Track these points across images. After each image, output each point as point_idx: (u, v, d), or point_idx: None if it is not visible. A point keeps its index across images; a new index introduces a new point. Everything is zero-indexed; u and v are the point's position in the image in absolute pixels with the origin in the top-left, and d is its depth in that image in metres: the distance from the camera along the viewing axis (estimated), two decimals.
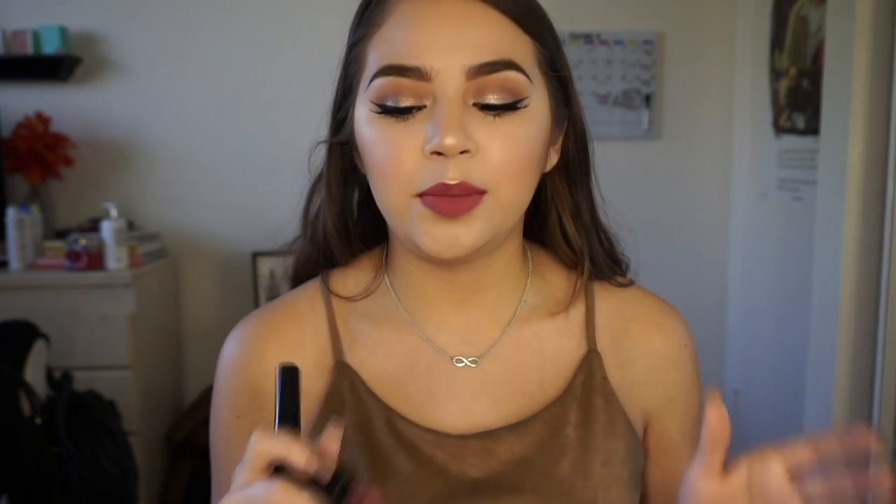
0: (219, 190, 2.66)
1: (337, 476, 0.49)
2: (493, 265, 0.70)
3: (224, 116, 2.65)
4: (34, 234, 2.32)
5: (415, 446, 0.67)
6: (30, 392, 1.81)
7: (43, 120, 2.49)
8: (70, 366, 2.09)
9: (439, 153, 0.60)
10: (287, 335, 0.72)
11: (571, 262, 0.74)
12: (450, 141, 0.59)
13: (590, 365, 0.71)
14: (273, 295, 2.54)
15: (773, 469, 0.52)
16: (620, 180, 2.65)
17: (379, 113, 0.63)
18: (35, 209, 2.35)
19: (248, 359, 0.71)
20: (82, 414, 1.95)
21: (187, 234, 2.68)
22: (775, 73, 2.51)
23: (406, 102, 0.62)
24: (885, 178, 1.96)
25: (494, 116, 0.62)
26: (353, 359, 0.71)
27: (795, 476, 0.51)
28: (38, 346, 1.91)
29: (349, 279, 0.74)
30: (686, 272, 2.81)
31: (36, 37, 2.45)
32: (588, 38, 2.67)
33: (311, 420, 0.69)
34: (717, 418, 0.52)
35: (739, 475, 0.55)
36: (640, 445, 0.72)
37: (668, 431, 0.75)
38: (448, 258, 0.63)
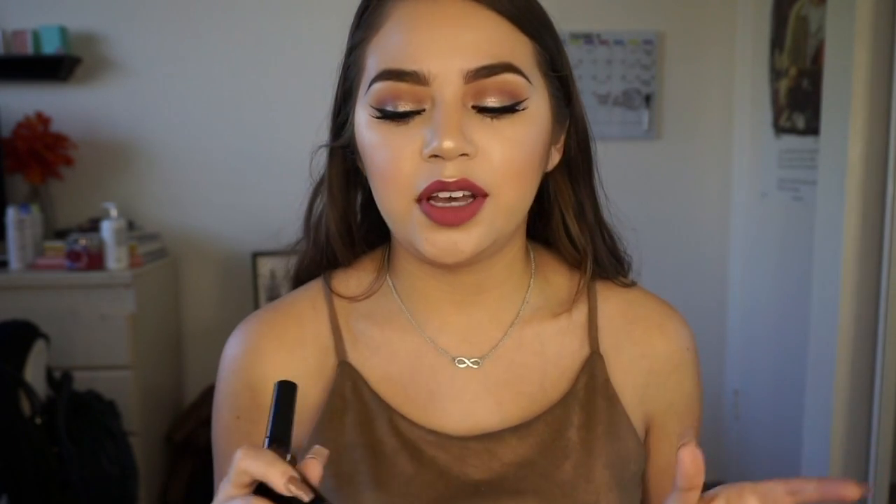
0: (219, 190, 2.66)
1: (311, 502, 0.49)
2: (496, 266, 0.69)
3: (224, 116, 2.65)
4: (34, 234, 2.32)
5: (417, 447, 0.67)
6: (30, 392, 1.81)
7: (43, 120, 2.49)
8: (70, 366, 2.09)
9: (438, 156, 0.60)
10: (288, 335, 0.72)
11: (575, 261, 0.74)
12: (448, 144, 0.59)
13: (592, 367, 0.71)
14: (273, 295, 2.54)
15: None
16: (621, 180, 2.65)
17: (378, 118, 0.62)
18: (35, 209, 2.35)
19: (249, 359, 0.71)
20: (82, 414, 1.95)
21: (187, 234, 2.68)
22: (775, 73, 2.51)
23: (405, 107, 0.62)
24: (885, 178, 1.96)
25: (493, 119, 0.62)
26: (356, 359, 0.71)
27: None
28: (38, 346, 1.91)
29: (351, 280, 0.74)
30: (686, 272, 2.81)
31: (36, 37, 2.45)
32: (588, 38, 2.67)
33: (314, 421, 0.69)
34: (690, 459, 0.52)
35: None
36: (641, 447, 0.72)
37: (670, 434, 0.75)
38: (448, 263, 0.63)
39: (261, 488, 0.49)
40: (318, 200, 0.74)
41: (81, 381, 2.06)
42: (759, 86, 2.61)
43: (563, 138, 0.70)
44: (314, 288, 0.75)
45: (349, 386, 0.69)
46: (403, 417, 0.68)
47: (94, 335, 2.20)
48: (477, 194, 0.61)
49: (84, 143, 2.58)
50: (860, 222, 2.00)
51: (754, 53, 2.63)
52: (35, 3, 2.55)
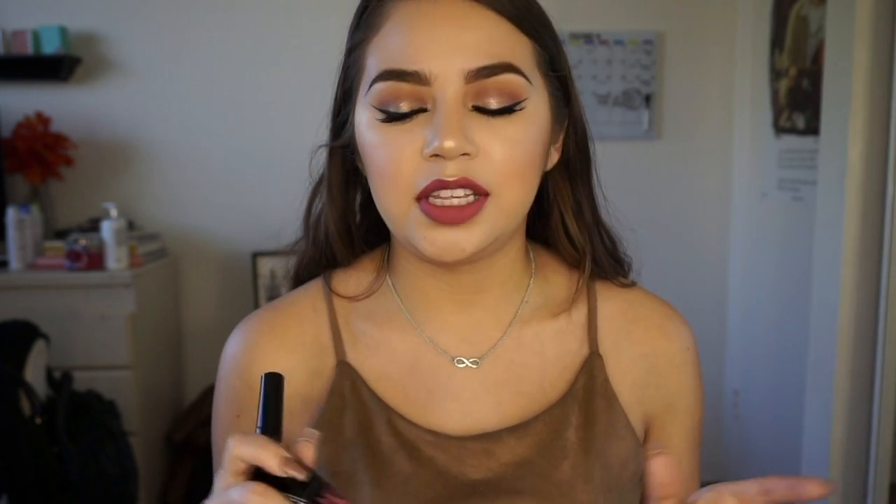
0: (219, 190, 2.67)
1: (309, 481, 0.49)
2: (496, 265, 0.69)
3: (224, 116, 2.65)
4: (34, 234, 2.32)
5: (415, 447, 0.67)
6: (30, 392, 1.81)
7: (43, 120, 2.49)
8: (70, 366, 2.09)
9: (439, 156, 0.60)
10: (288, 335, 0.72)
11: (574, 261, 0.74)
12: (449, 144, 0.59)
13: (591, 367, 0.71)
14: (273, 295, 2.54)
15: None
16: (621, 180, 2.65)
17: (380, 119, 0.63)
18: (35, 209, 2.35)
19: (249, 358, 0.71)
20: (82, 414, 1.95)
21: (187, 234, 2.68)
22: (775, 73, 2.51)
23: (406, 107, 0.62)
24: (885, 178, 1.96)
25: (493, 118, 0.62)
26: (355, 359, 0.71)
27: None
28: (38, 346, 1.91)
29: (351, 279, 0.74)
30: (686, 272, 2.81)
31: (36, 37, 2.45)
32: (588, 38, 2.67)
33: (313, 420, 0.69)
34: (662, 469, 0.52)
35: None
36: (640, 448, 0.72)
37: (669, 434, 0.75)
38: (448, 262, 0.63)
39: (257, 474, 0.50)
40: (317, 200, 0.74)
41: (81, 381, 2.06)
42: (759, 86, 2.61)
43: (561, 138, 0.70)
44: (314, 288, 0.75)
45: (348, 385, 0.69)
46: (402, 417, 0.68)
47: (94, 335, 2.20)
48: (478, 193, 0.61)
49: (84, 143, 2.58)
50: (860, 222, 2.00)
51: (754, 53, 2.63)
52: (35, 3, 2.55)
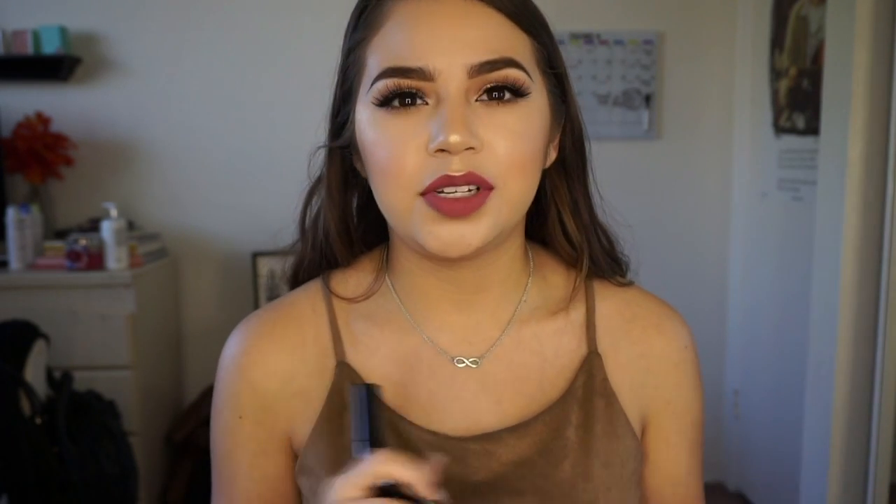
0: (219, 190, 2.67)
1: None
2: (497, 263, 0.70)
3: (224, 116, 2.65)
4: (34, 234, 2.32)
5: (416, 448, 0.67)
6: (30, 392, 1.81)
7: (43, 120, 2.49)
8: (70, 366, 2.09)
9: (444, 150, 0.60)
10: (288, 335, 0.72)
11: (571, 260, 0.74)
12: (454, 138, 0.59)
13: (590, 366, 0.71)
14: (273, 295, 2.54)
15: None
16: (620, 180, 2.67)
17: (383, 106, 0.63)
18: (35, 209, 2.35)
19: (249, 359, 0.71)
20: (82, 414, 1.95)
21: (187, 234, 2.68)
22: (775, 73, 2.51)
23: (410, 102, 0.62)
24: (885, 178, 1.96)
25: (498, 105, 0.62)
26: (355, 359, 0.71)
27: None
28: (38, 346, 1.91)
29: (350, 280, 0.74)
30: (686, 272, 2.81)
31: (36, 37, 2.45)
32: (588, 38, 2.67)
33: (313, 421, 0.69)
34: None
35: None
36: (639, 446, 0.72)
37: (667, 433, 0.75)
38: (454, 257, 0.63)
39: (382, 491, 0.52)
40: (314, 201, 0.74)
41: (81, 381, 2.06)
42: (759, 86, 2.61)
43: (558, 136, 0.71)
44: (313, 288, 0.75)
45: (347, 387, 0.69)
46: (402, 418, 0.68)
47: (94, 335, 2.20)
48: (483, 187, 0.61)
49: (84, 143, 2.59)
50: (860, 222, 2.00)
51: (754, 53, 2.63)
52: (35, 3, 2.55)
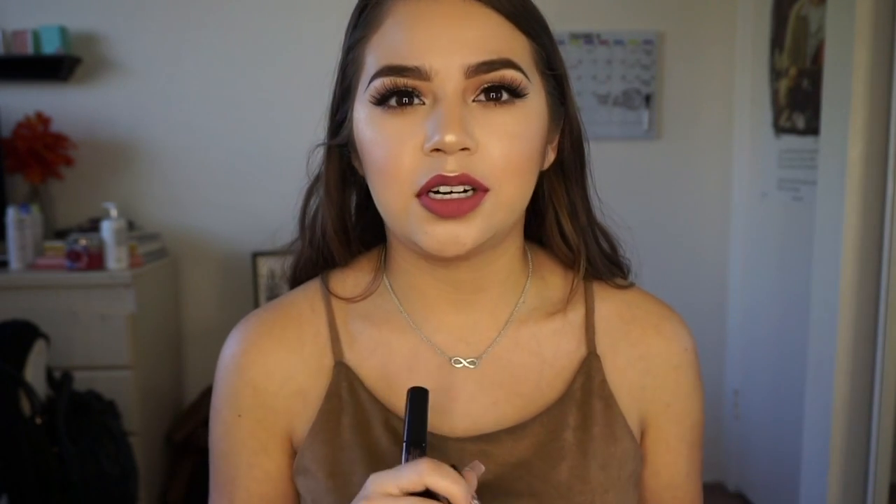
0: (219, 190, 2.67)
1: None
2: (495, 264, 0.69)
3: (224, 116, 2.65)
4: (34, 234, 2.32)
5: None
6: (30, 392, 1.81)
7: (43, 120, 2.49)
8: (70, 366, 2.09)
9: (439, 150, 0.60)
10: (287, 335, 0.72)
11: (569, 261, 0.74)
12: (450, 138, 0.59)
13: (589, 368, 0.71)
14: (273, 295, 2.54)
15: None
16: (620, 180, 2.67)
17: (380, 104, 0.63)
18: (35, 209, 2.35)
19: (248, 358, 0.71)
20: (82, 414, 1.95)
21: (187, 234, 2.68)
22: (775, 73, 2.51)
23: (406, 101, 0.62)
24: (885, 178, 1.96)
25: (495, 106, 0.62)
26: (353, 359, 0.71)
27: None
28: (38, 346, 1.91)
29: (348, 280, 0.74)
30: (686, 272, 2.81)
31: (36, 37, 2.45)
32: (588, 38, 2.67)
33: (311, 421, 0.69)
34: None
35: None
36: (638, 448, 0.72)
37: (666, 436, 0.74)
38: (449, 256, 0.63)
39: (419, 494, 0.54)
40: (313, 200, 0.74)
41: (81, 381, 2.06)
42: (759, 86, 2.61)
43: (557, 138, 0.70)
44: (311, 288, 0.75)
45: (345, 387, 0.69)
46: (399, 418, 0.68)
47: (94, 335, 2.20)
48: (478, 189, 0.61)
49: (84, 143, 2.59)
50: (860, 222, 2.00)
51: (754, 53, 2.63)
52: (35, 3, 2.55)
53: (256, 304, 2.56)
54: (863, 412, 2.05)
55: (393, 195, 0.63)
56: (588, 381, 0.70)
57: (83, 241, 2.21)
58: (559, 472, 0.67)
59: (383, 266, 0.74)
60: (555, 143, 0.70)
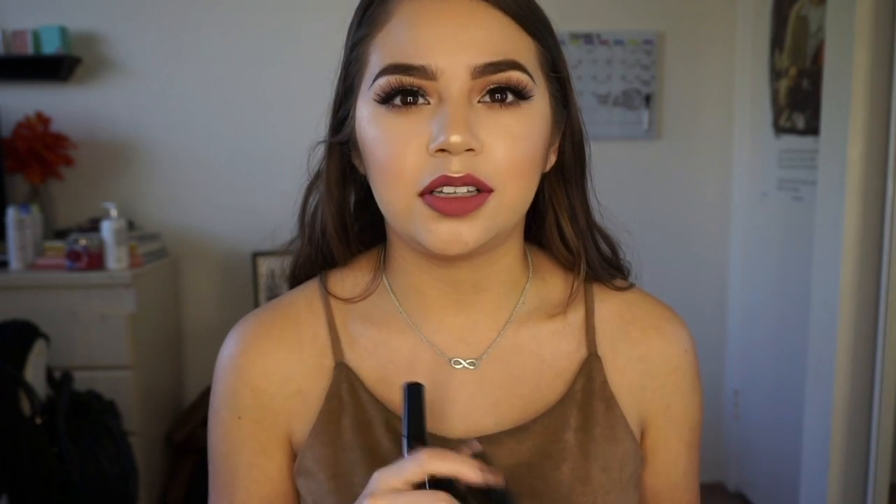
0: (219, 190, 2.67)
1: (495, 489, 0.54)
2: (496, 264, 0.69)
3: (224, 116, 2.65)
4: (34, 234, 2.32)
5: None
6: (30, 392, 1.81)
7: (43, 120, 2.49)
8: (70, 366, 2.09)
9: (444, 150, 0.60)
10: (286, 335, 0.72)
11: (569, 264, 0.74)
12: (455, 138, 0.59)
13: (590, 369, 0.71)
14: (273, 295, 2.54)
15: None
16: (620, 180, 2.67)
17: (384, 103, 0.62)
18: (35, 209, 2.35)
19: (247, 359, 0.71)
20: (82, 414, 1.95)
21: (187, 234, 2.68)
22: (775, 73, 2.51)
23: (411, 100, 0.62)
24: (885, 178, 1.96)
25: (501, 108, 0.62)
26: (353, 360, 0.71)
27: None
28: (38, 346, 1.91)
29: (347, 280, 0.74)
30: (686, 272, 2.81)
31: (36, 37, 2.45)
32: (588, 38, 2.67)
33: (312, 422, 0.69)
34: None
35: None
36: (638, 449, 0.72)
37: (666, 437, 0.74)
38: (451, 255, 0.63)
39: (434, 484, 0.54)
40: (313, 197, 0.73)
41: (81, 381, 2.06)
42: (759, 86, 2.61)
43: (558, 141, 0.70)
44: (310, 289, 0.75)
45: (346, 387, 0.69)
46: (399, 419, 0.68)
47: (94, 335, 2.20)
48: (482, 189, 0.61)
49: (84, 143, 2.59)
50: (860, 222, 2.00)
51: (754, 53, 2.63)
52: (35, 3, 2.55)
53: (256, 304, 2.56)
54: (863, 412, 2.05)
55: (396, 194, 0.62)
56: (589, 383, 0.70)
57: (83, 241, 2.21)
58: (560, 474, 0.67)
59: (383, 266, 0.74)
60: (555, 147, 0.70)
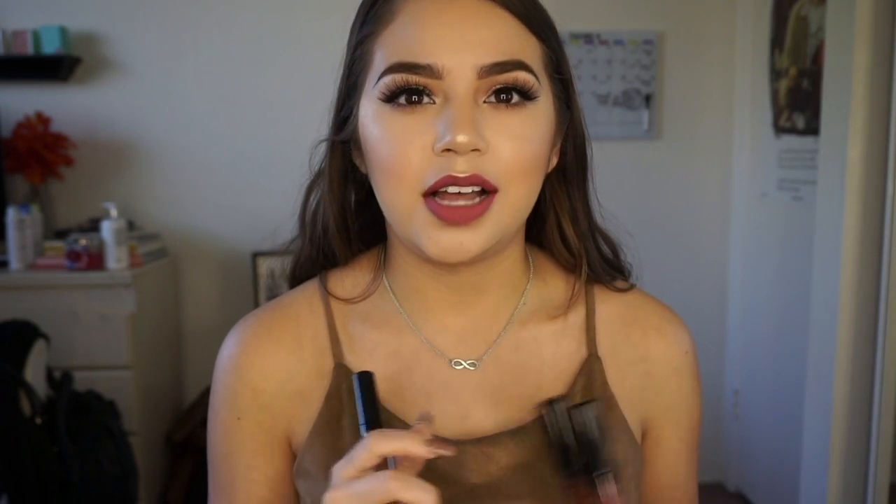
0: (219, 190, 2.67)
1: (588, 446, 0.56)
2: (498, 267, 0.69)
3: (224, 116, 2.65)
4: (34, 234, 2.32)
5: None
6: (30, 392, 1.81)
7: (43, 120, 2.49)
8: (70, 366, 2.09)
9: (450, 150, 0.60)
10: (286, 336, 0.71)
11: (570, 265, 0.74)
12: (462, 138, 0.59)
13: (590, 369, 0.71)
14: (273, 295, 2.54)
15: None
16: (620, 181, 2.67)
17: (389, 101, 0.62)
18: (35, 209, 2.35)
19: (247, 359, 0.71)
20: (82, 414, 1.95)
21: (187, 234, 2.68)
22: (775, 73, 2.51)
23: (416, 99, 0.61)
24: (885, 178, 1.96)
25: (507, 108, 0.61)
26: (352, 361, 0.70)
27: None
28: (38, 346, 1.91)
29: (347, 280, 0.73)
30: (686, 272, 2.81)
31: (36, 37, 2.45)
32: (588, 38, 2.67)
33: (311, 422, 0.69)
34: None
35: None
36: (638, 450, 0.72)
37: (667, 438, 0.74)
38: (452, 262, 0.62)
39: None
40: (314, 195, 0.73)
41: (81, 381, 2.06)
42: (759, 86, 2.61)
43: (560, 142, 0.70)
44: (310, 289, 0.74)
45: (346, 388, 0.69)
46: (400, 420, 0.68)
47: (94, 335, 2.20)
48: (488, 189, 0.61)
49: (84, 143, 2.59)
50: (860, 222, 2.00)
51: (754, 53, 2.63)
52: (35, 3, 2.55)
53: (256, 304, 2.56)
54: (863, 412, 2.05)
55: (399, 194, 0.62)
56: (589, 383, 0.70)
57: (83, 241, 2.21)
58: (560, 474, 0.67)
59: (383, 266, 0.74)
60: (557, 148, 0.70)
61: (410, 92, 0.61)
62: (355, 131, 0.67)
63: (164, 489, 2.47)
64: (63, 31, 2.46)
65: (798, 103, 2.37)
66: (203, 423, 2.39)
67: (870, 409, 2.03)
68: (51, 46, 2.45)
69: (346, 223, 0.73)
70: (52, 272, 2.23)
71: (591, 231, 0.74)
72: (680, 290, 2.65)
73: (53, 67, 2.48)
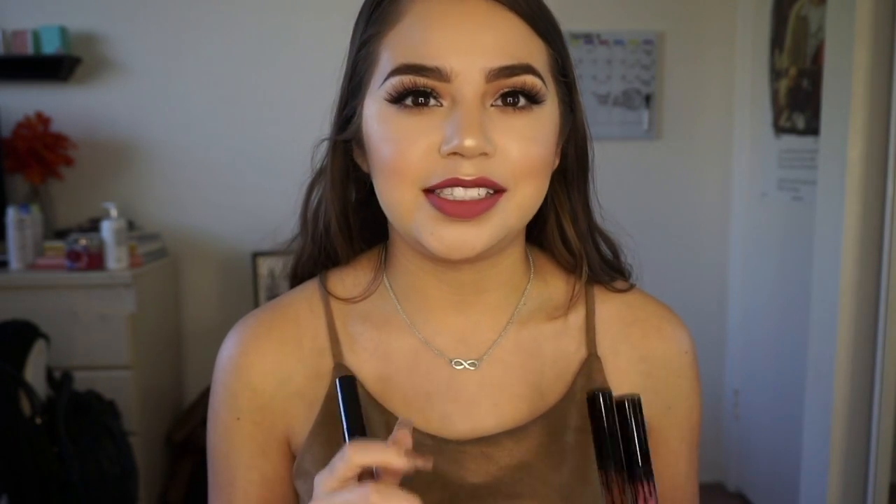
0: (219, 190, 2.67)
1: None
2: (499, 266, 0.69)
3: (224, 116, 2.65)
4: (34, 234, 2.32)
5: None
6: (30, 392, 1.81)
7: (43, 120, 2.49)
8: (70, 366, 2.09)
9: (457, 153, 0.59)
10: (285, 336, 0.71)
11: (570, 265, 0.74)
12: (470, 143, 0.58)
13: (590, 369, 0.71)
14: (273, 295, 2.54)
15: None
16: (620, 181, 2.67)
17: (395, 103, 0.62)
18: (35, 209, 2.35)
19: (247, 360, 0.71)
20: (82, 414, 1.95)
21: (187, 234, 2.68)
22: (775, 73, 2.51)
23: (423, 100, 0.61)
24: (885, 178, 1.96)
25: (514, 111, 0.61)
26: (352, 361, 0.70)
27: None
28: (38, 346, 1.91)
29: (347, 280, 0.73)
30: (686, 272, 2.81)
31: (36, 37, 2.45)
32: (588, 38, 2.67)
33: (311, 422, 0.69)
34: None
35: None
36: None
37: (667, 438, 0.74)
38: (456, 259, 0.62)
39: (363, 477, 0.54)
40: (315, 194, 0.73)
41: (81, 381, 2.06)
42: (759, 86, 2.61)
43: (562, 143, 0.70)
44: (310, 289, 0.74)
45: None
46: (399, 420, 0.67)
47: (94, 335, 2.20)
48: (495, 189, 0.61)
49: (84, 143, 2.58)
50: (860, 222, 2.00)
51: (754, 53, 2.63)
52: (35, 3, 2.55)
53: (256, 304, 2.56)
54: (863, 412, 2.05)
55: (400, 192, 0.62)
56: (589, 383, 0.70)
57: (83, 241, 2.21)
58: (560, 474, 0.67)
59: (383, 266, 0.74)
60: (559, 149, 0.70)
61: (417, 94, 0.61)
62: (359, 130, 0.66)
63: (164, 489, 2.47)
64: (63, 31, 2.46)
65: (798, 103, 2.37)
66: (203, 423, 2.39)
67: (870, 408, 2.03)
68: (51, 46, 2.45)
69: (347, 221, 0.73)
70: (52, 272, 2.23)
71: (592, 232, 0.74)
72: (680, 290, 2.65)
73: (53, 67, 2.48)
